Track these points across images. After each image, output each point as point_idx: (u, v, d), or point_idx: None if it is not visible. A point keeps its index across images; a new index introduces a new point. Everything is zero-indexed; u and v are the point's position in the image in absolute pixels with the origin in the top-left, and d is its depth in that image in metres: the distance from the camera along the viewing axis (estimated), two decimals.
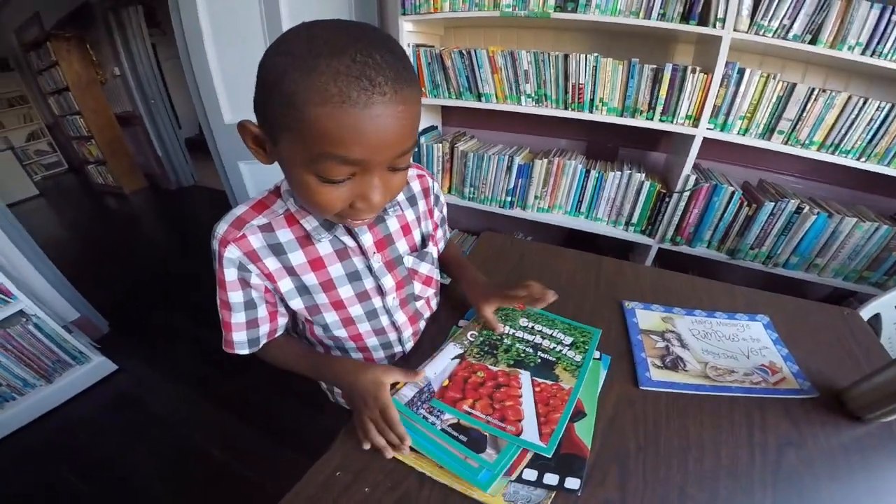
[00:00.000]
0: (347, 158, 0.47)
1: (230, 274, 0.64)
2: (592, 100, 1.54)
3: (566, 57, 1.50)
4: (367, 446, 0.61)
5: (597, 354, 0.76)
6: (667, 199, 1.59)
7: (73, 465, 1.71)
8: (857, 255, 1.45)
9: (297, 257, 0.65)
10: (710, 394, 0.69)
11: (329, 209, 0.53)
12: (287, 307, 0.72)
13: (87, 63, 4.28)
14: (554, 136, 1.99)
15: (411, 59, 1.67)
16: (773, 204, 1.45)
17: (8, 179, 4.67)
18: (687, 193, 1.54)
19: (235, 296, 0.66)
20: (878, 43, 1.21)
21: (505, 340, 0.77)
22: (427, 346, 0.81)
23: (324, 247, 0.66)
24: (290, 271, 0.66)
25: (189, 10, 1.81)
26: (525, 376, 0.70)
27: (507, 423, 0.62)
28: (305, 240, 0.65)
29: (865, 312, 1.10)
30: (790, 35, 1.26)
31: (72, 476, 1.66)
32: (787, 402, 0.68)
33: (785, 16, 1.24)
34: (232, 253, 0.62)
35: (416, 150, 1.94)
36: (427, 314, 0.87)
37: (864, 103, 1.28)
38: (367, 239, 0.68)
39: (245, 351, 0.72)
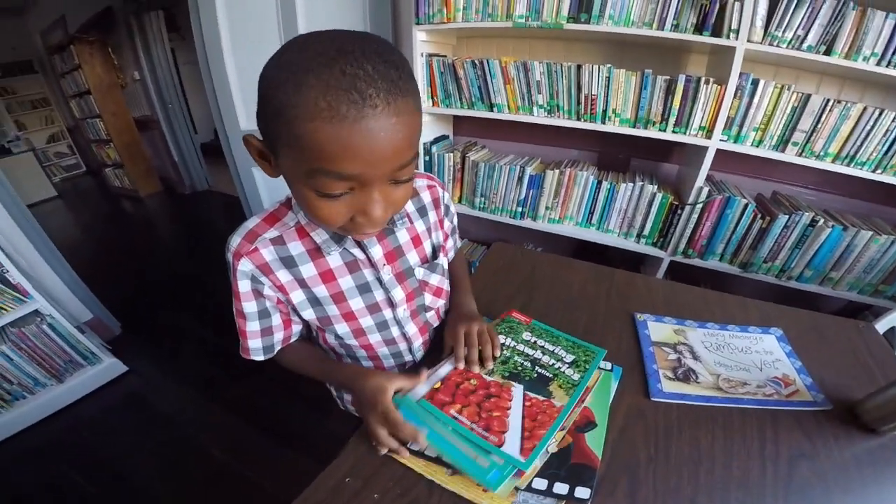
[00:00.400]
0: (342, 174, 0.46)
1: (244, 286, 0.65)
2: (605, 111, 1.55)
3: (579, 68, 1.51)
4: (383, 451, 0.61)
5: (608, 366, 0.76)
6: (679, 211, 1.59)
7: (79, 465, 1.73)
8: (872, 269, 1.43)
9: (308, 270, 0.66)
10: (723, 405, 0.69)
11: (330, 223, 0.53)
12: (300, 317, 0.73)
13: (108, 67, 4.37)
14: (565, 146, 1.99)
15: (423, 69, 1.73)
16: (787, 216, 1.44)
17: (28, 180, 4.76)
18: (699, 205, 1.53)
19: (249, 306, 0.67)
20: (893, 53, 1.20)
21: (504, 352, 0.77)
22: (438, 355, 0.80)
23: (334, 259, 0.66)
24: (302, 283, 0.67)
25: (209, 15, 1.85)
26: (517, 389, 0.69)
27: (491, 432, 0.61)
28: (316, 252, 0.65)
29: (881, 326, 1.09)
30: (804, 46, 1.26)
31: (78, 476, 1.68)
32: (799, 415, 0.68)
33: (799, 26, 1.24)
34: (245, 266, 0.63)
35: (428, 158, 1.95)
36: (436, 324, 0.87)
37: (880, 114, 1.27)
38: (377, 251, 0.68)
39: (261, 357, 0.73)
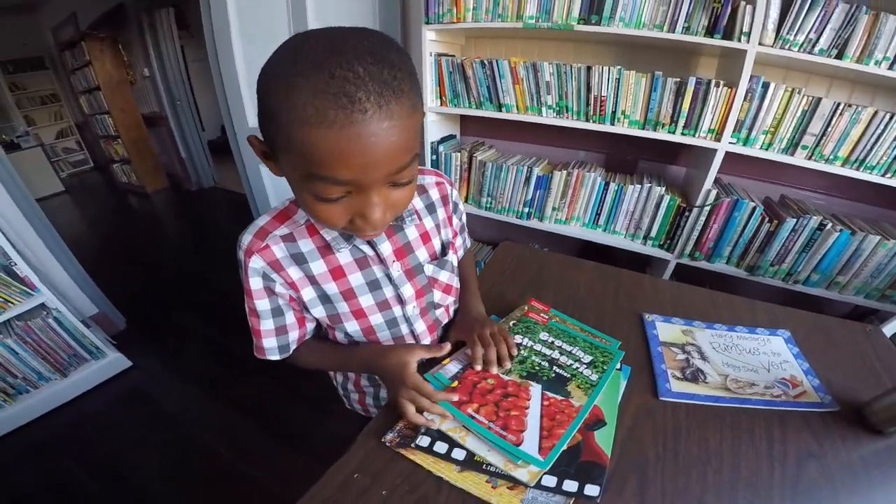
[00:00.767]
0: (336, 179, 0.46)
1: (255, 283, 0.65)
2: (614, 112, 1.55)
3: (589, 69, 1.51)
4: (419, 421, 0.63)
5: (617, 364, 0.76)
6: (686, 214, 1.59)
7: (81, 460, 1.74)
8: (880, 274, 1.43)
9: (318, 266, 0.66)
10: (731, 406, 0.69)
11: (331, 225, 0.54)
12: (311, 315, 0.73)
13: (118, 63, 4.42)
14: (573, 147, 1.99)
15: (432, 68, 1.74)
16: (794, 220, 1.44)
17: (36, 175, 4.81)
18: (707, 208, 1.53)
19: (262, 304, 0.67)
20: None
21: (521, 352, 0.76)
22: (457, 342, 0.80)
23: (344, 256, 0.66)
24: (312, 280, 0.67)
25: (220, 12, 1.86)
26: (536, 389, 0.69)
27: (509, 431, 0.61)
28: (326, 249, 0.65)
29: (888, 329, 1.08)
30: (816, 49, 1.26)
31: (79, 470, 1.69)
32: (807, 416, 0.68)
33: (811, 30, 1.23)
34: (256, 263, 0.63)
35: (434, 158, 1.96)
36: (446, 321, 0.87)
37: (891, 119, 1.26)
38: (386, 248, 0.68)
39: (276, 357, 0.73)
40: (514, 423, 0.62)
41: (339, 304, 0.69)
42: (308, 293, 0.68)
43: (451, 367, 0.73)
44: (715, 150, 1.43)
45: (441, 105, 1.84)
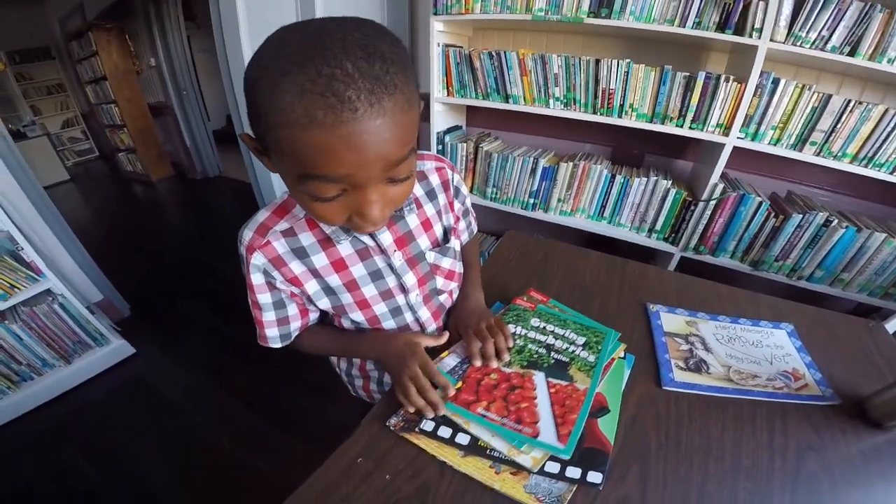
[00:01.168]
0: (329, 178, 0.44)
1: (257, 278, 0.65)
2: (622, 105, 1.54)
3: (597, 62, 1.50)
4: (411, 410, 0.63)
5: (621, 353, 0.76)
6: (692, 208, 1.59)
7: (82, 448, 1.74)
8: (884, 271, 1.43)
9: (320, 259, 0.66)
10: (733, 397, 0.69)
11: (330, 223, 0.54)
12: (315, 306, 0.73)
13: (125, 53, 4.42)
14: (579, 140, 1.99)
15: (439, 59, 1.73)
16: (800, 216, 1.43)
17: (41, 164, 4.83)
18: (713, 202, 1.53)
19: (264, 297, 0.68)
20: None
21: (517, 341, 0.75)
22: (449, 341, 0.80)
23: (345, 247, 0.66)
24: (315, 273, 0.67)
25: (228, 2, 1.85)
26: (539, 377, 0.68)
27: (524, 424, 0.61)
28: (327, 242, 0.65)
29: (891, 325, 1.08)
30: (828, 46, 1.25)
31: (80, 459, 1.69)
32: (808, 408, 0.68)
33: (824, 27, 1.23)
34: (257, 259, 0.63)
35: (440, 148, 1.96)
36: (449, 306, 0.87)
37: None
38: (386, 237, 0.67)
39: (278, 345, 0.74)
40: (527, 416, 0.62)
41: (343, 296, 0.70)
42: (312, 286, 0.68)
43: (450, 361, 0.72)
44: (723, 145, 1.43)
45: (448, 95, 1.84)
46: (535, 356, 0.73)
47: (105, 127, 5.10)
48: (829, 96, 1.30)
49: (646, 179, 1.65)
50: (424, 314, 0.79)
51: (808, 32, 1.24)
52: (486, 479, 0.56)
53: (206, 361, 2.22)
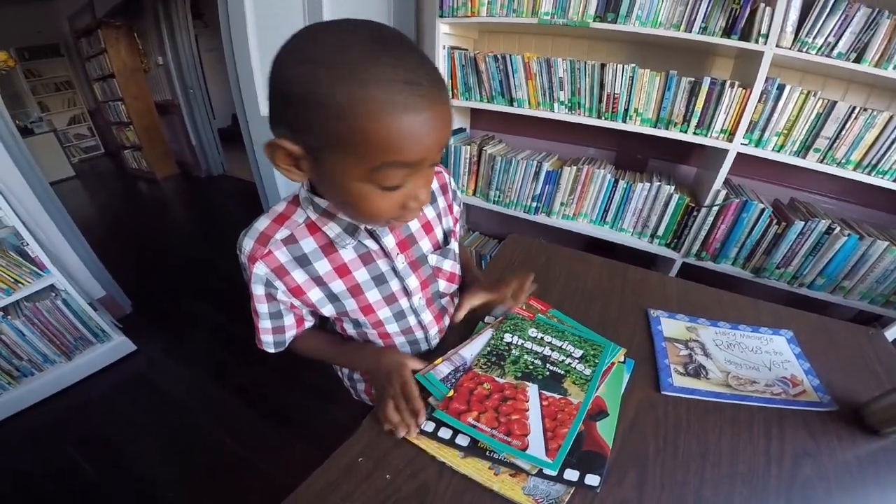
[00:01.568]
0: (408, 163, 0.48)
1: (258, 289, 0.65)
2: (627, 110, 1.54)
3: (603, 66, 1.50)
4: (386, 427, 0.63)
5: (621, 357, 0.76)
6: (695, 213, 1.59)
7: (81, 444, 1.74)
8: (885, 280, 1.42)
9: (323, 266, 0.65)
10: (731, 402, 0.70)
11: (385, 215, 0.54)
12: (313, 314, 0.74)
13: (133, 51, 4.45)
14: (583, 144, 2.00)
15: (445, 61, 1.75)
16: (803, 223, 1.43)
17: (48, 160, 4.85)
18: (716, 208, 1.53)
19: (262, 307, 0.68)
20: None
21: (513, 351, 0.75)
22: (452, 341, 0.81)
23: (347, 253, 0.66)
24: (318, 281, 0.66)
25: (236, 2, 1.86)
26: (532, 389, 0.68)
27: (513, 437, 0.60)
28: (329, 247, 0.65)
29: (891, 333, 1.08)
30: (835, 53, 1.25)
31: (78, 455, 1.69)
32: (805, 415, 0.69)
33: (831, 33, 1.23)
34: (260, 269, 0.63)
35: (444, 150, 1.96)
36: (451, 309, 0.88)
37: None
38: (390, 241, 0.68)
39: (272, 350, 0.75)
40: (517, 428, 0.62)
41: (346, 301, 0.69)
42: (315, 294, 0.68)
43: (443, 368, 0.72)
44: (726, 151, 1.43)
45: (453, 98, 1.85)
46: (530, 367, 0.72)
47: (111, 124, 5.14)
48: (834, 103, 1.30)
49: (649, 185, 1.65)
50: (427, 317, 0.79)
51: (814, 38, 1.24)
52: (484, 481, 0.56)
53: (207, 359, 2.23)
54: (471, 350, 0.75)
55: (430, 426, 0.62)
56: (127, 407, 1.95)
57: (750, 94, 1.33)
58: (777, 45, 1.26)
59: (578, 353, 0.75)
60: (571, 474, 0.57)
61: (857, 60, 1.24)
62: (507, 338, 0.78)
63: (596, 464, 0.58)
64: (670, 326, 0.86)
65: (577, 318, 0.86)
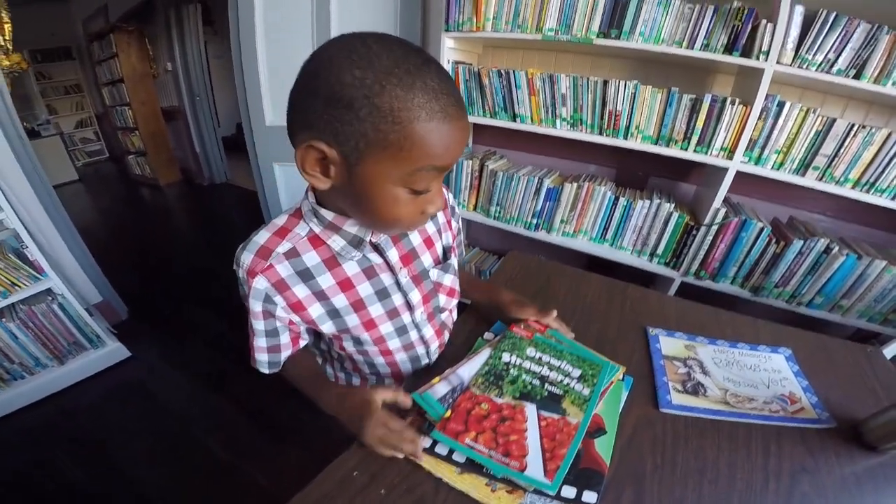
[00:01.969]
0: (442, 167, 0.52)
1: (256, 305, 0.64)
2: (628, 127, 1.55)
3: (605, 83, 1.52)
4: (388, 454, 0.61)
5: (621, 375, 0.76)
6: (694, 232, 1.59)
7: (69, 449, 1.72)
8: (883, 298, 1.42)
9: (326, 280, 0.64)
10: (729, 419, 0.70)
11: (406, 220, 0.56)
12: (310, 331, 0.74)
13: (143, 56, 4.49)
14: (584, 161, 2.00)
15: (451, 75, 1.75)
16: (802, 242, 1.43)
17: (52, 163, 4.87)
18: (715, 227, 1.53)
19: (258, 324, 0.67)
20: None
21: (511, 371, 0.74)
22: (451, 357, 0.80)
23: (351, 267, 0.65)
24: (320, 296, 0.65)
25: (247, 11, 1.89)
26: (531, 409, 0.67)
27: (512, 458, 0.59)
28: (332, 261, 0.64)
29: (889, 351, 1.08)
30: (834, 69, 1.25)
31: (67, 460, 1.67)
32: (803, 431, 0.69)
33: (830, 50, 1.23)
34: (260, 284, 0.61)
35: None
36: (451, 325, 0.88)
37: None
38: (394, 255, 0.68)
39: (265, 370, 0.74)
40: (516, 449, 0.61)
41: (348, 317, 0.69)
42: (316, 310, 0.67)
43: (441, 388, 0.71)
44: (726, 169, 1.43)
45: None
46: (529, 387, 0.71)
47: (117, 129, 5.16)
48: (833, 120, 1.30)
49: (649, 202, 1.65)
50: (428, 332, 0.79)
51: (814, 55, 1.25)
52: (481, 497, 0.56)
53: (202, 367, 2.21)
54: (468, 369, 0.74)
55: (427, 442, 0.62)
56: (118, 413, 1.92)
57: (750, 111, 1.34)
58: (778, 62, 1.27)
59: (577, 372, 0.75)
60: (569, 491, 0.56)
61: (857, 77, 1.25)
62: (506, 357, 0.77)
63: (593, 481, 0.58)
64: (669, 344, 0.86)
65: (576, 336, 0.85)
